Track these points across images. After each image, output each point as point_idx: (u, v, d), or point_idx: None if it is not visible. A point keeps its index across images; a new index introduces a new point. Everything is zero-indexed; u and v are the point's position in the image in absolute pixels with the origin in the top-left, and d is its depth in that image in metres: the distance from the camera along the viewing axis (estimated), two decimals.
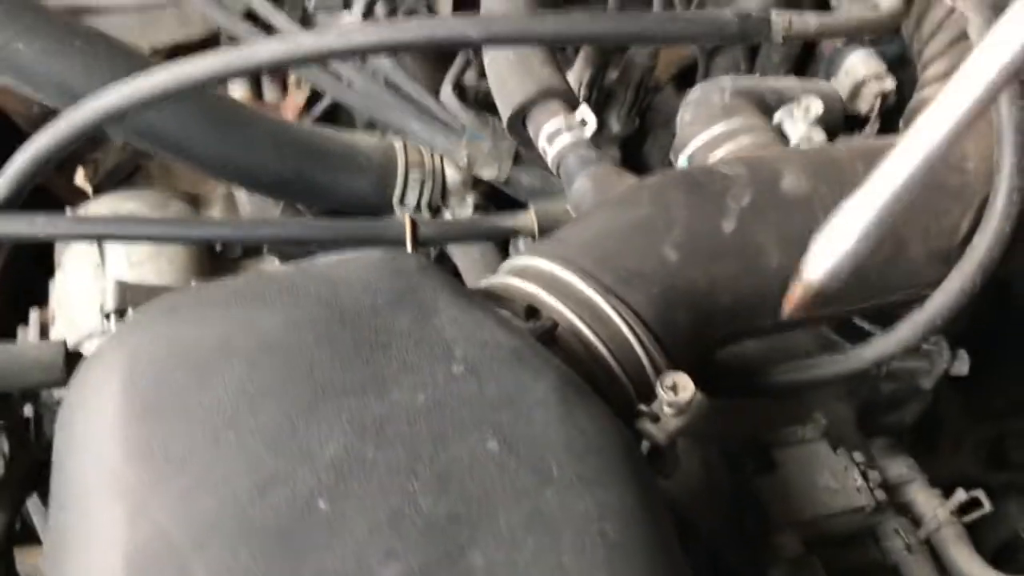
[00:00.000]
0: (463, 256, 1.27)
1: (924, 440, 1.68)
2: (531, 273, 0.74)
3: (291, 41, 0.74)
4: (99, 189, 1.86)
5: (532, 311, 0.71)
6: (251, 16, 1.21)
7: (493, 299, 0.72)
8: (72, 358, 0.86)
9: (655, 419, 0.69)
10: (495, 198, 1.35)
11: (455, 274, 1.39)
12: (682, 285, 0.75)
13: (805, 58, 1.37)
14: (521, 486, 0.55)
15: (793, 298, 0.57)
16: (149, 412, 0.57)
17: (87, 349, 1.40)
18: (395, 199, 1.29)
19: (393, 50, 0.74)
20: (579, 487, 0.56)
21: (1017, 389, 1.60)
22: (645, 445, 0.69)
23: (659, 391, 0.68)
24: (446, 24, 0.74)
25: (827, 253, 0.55)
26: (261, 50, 0.74)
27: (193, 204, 1.64)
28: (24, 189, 0.88)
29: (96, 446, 0.57)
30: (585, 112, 0.95)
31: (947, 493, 1.64)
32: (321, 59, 0.77)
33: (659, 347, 0.73)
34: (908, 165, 0.53)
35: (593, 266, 0.74)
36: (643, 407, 0.69)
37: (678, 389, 0.68)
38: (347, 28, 0.73)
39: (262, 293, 0.63)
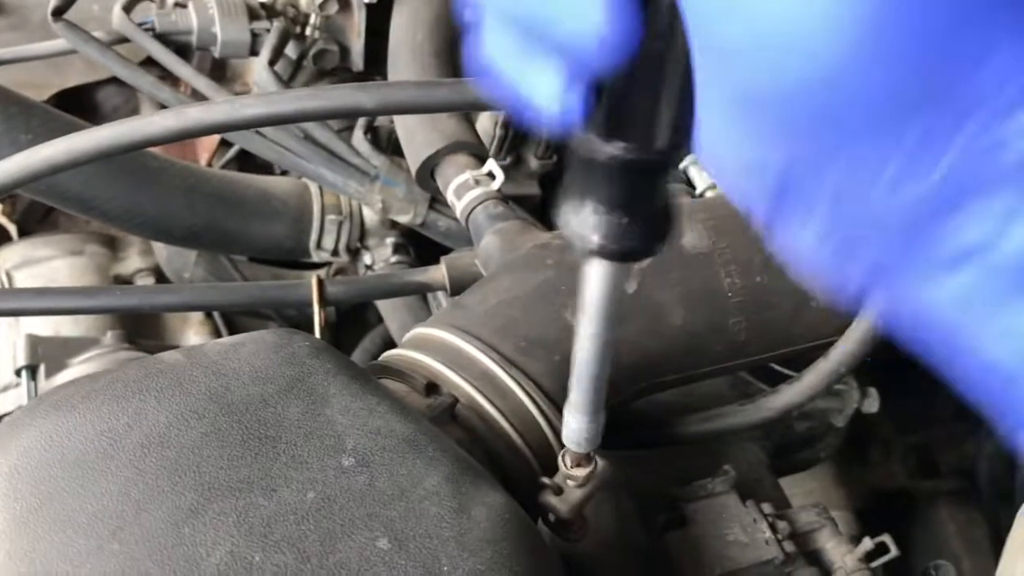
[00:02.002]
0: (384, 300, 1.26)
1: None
2: (432, 346, 0.74)
3: (181, 115, 0.73)
4: (21, 225, 1.82)
5: (432, 387, 0.70)
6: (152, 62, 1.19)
7: (393, 375, 0.71)
8: None
9: (558, 491, 0.69)
10: (416, 236, 1.34)
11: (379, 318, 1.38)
12: None
13: None
14: None
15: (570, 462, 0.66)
16: (31, 520, 0.56)
17: (2, 404, 1.37)
18: (312, 243, 1.27)
19: (286, 122, 0.73)
20: None
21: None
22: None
23: (560, 464, 0.68)
24: (339, 94, 0.73)
25: (572, 427, 0.61)
26: (153, 125, 0.73)
27: (110, 245, 1.62)
28: None
29: None
30: (492, 166, 0.94)
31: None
32: (212, 132, 0.76)
33: (560, 416, 0.73)
34: (591, 344, 0.54)
35: (493, 336, 0.73)
36: (546, 480, 0.69)
37: (578, 461, 0.67)
38: (238, 100, 0.72)
39: (150, 386, 0.62)
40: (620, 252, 0.43)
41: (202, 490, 0.57)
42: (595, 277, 0.48)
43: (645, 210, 0.42)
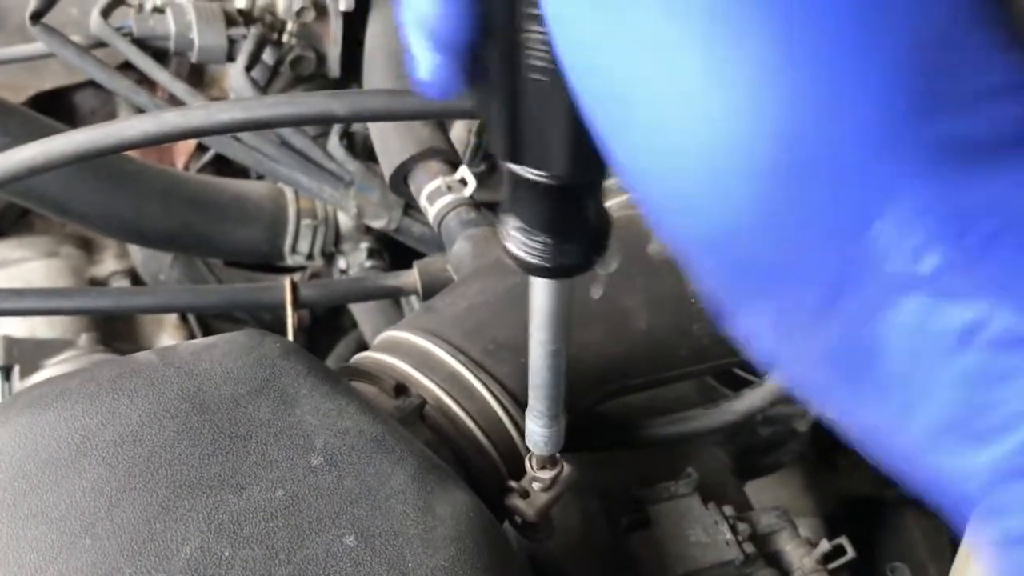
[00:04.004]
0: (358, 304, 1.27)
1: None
2: (402, 349, 0.75)
3: (158, 119, 0.74)
4: None
5: (401, 389, 0.72)
6: (129, 67, 1.20)
7: (363, 377, 0.73)
8: None
9: (525, 495, 0.70)
10: (390, 241, 1.36)
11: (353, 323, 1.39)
12: None
13: None
14: None
15: (536, 465, 0.67)
16: (4, 516, 0.57)
17: None
18: (287, 247, 1.29)
19: (261, 127, 0.74)
20: None
21: None
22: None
23: (527, 467, 0.69)
24: (312, 101, 0.75)
25: (533, 432, 0.63)
26: (130, 128, 0.74)
27: (85, 248, 1.62)
28: None
29: None
30: (464, 172, 0.96)
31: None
32: (188, 136, 0.78)
33: None
34: (543, 353, 0.56)
35: (462, 339, 0.75)
36: (512, 483, 0.71)
37: (544, 464, 0.69)
38: (214, 106, 0.73)
39: (123, 386, 0.63)
40: (550, 270, 0.44)
41: (173, 487, 0.58)
42: (538, 291, 0.49)
43: (572, 229, 0.43)
